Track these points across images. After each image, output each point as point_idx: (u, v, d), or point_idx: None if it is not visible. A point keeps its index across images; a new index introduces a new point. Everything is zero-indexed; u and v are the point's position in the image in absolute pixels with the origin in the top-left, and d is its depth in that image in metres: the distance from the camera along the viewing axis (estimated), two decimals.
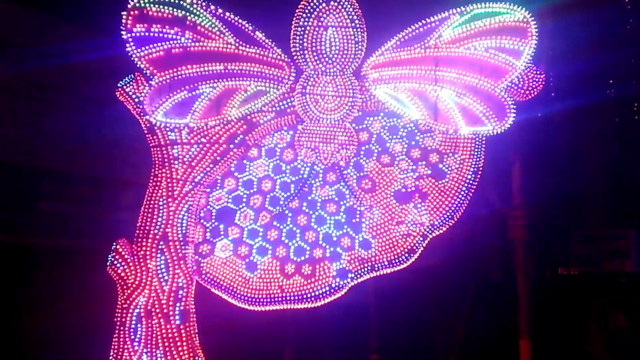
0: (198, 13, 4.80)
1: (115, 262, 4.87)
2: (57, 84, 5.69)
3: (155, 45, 4.74)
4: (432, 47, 4.76)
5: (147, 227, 4.88)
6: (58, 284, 5.67)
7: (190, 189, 4.94)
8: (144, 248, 4.85)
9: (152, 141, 5.00)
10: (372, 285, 5.04)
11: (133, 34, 4.71)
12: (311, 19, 4.87)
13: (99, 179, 5.64)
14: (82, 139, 5.62)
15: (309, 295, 4.91)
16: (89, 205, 5.67)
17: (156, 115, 4.77)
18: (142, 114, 4.92)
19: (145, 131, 5.01)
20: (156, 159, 4.98)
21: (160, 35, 4.75)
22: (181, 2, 4.78)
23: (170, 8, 4.75)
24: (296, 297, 4.91)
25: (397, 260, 4.94)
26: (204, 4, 4.81)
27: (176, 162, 4.94)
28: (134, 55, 4.73)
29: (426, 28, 4.81)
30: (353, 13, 4.88)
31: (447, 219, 4.95)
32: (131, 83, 5.03)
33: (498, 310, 5.46)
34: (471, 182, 4.96)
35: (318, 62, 4.92)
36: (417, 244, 4.95)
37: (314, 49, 4.90)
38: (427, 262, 5.04)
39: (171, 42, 4.77)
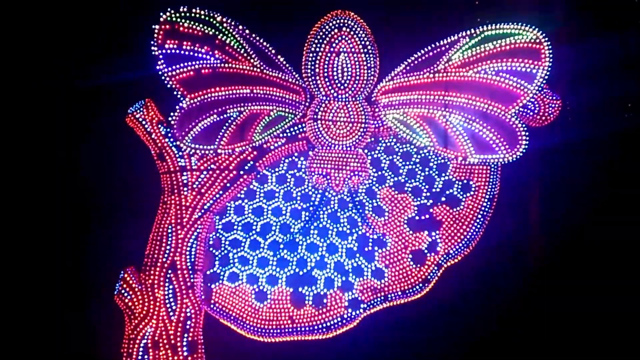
0: (227, 32, 4.73)
1: (123, 291, 4.80)
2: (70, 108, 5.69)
3: (186, 64, 4.63)
4: (442, 72, 4.67)
5: (155, 255, 4.81)
6: (65, 312, 5.60)
7: (199, 216, 4.87)
8: (152, 277, 4.77)
9: (162, 168, 4.95)
10: (384, 316, 4.89)
11: (164, 51, 4.61)
12: (323, 45, 4.84)
13: (106, 205, 5.59)
14: (90, 166, 5.60)
15: (320, 326, 4.79)
16: (96, 232, 5.61)
17: (186, 140, 4.68)
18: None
19: (155, 157, 4.97)
20: (165, 185, 4.93)
21: (191, 53, 4.66)
22: (211, 20, 4.70)
23: (201, 25, 4.66)
24: (307, 328, 4.80)
25: (411, 290, 4.82)
26: (232, 23, 4.75)
27: (185, 189, 4.88)
28: (164, 74, 4.62)
29: (436, 52, 4.73)
30: (365, 39, 4.84)
31: (462, 247, 4.83)
32: (141, 109, 5.00)
33: (515, 344, 5.30)
34: (487, 209, 4.85)
35: (330, 87, 4.87)
36: (431, 274, 4.82)
37: (325, 74, 4.85)
38: (442, 292, 4.90)
39: (201, 61, 4.68)
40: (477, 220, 4.83)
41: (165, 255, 4.80)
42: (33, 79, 5.60)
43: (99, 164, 5.58)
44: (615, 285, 5.28)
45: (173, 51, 4.63)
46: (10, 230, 5.67)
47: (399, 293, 4.82)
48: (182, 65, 4.63)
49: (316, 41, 4.85)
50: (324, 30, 4.85)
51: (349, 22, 4.86)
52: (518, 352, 5.30)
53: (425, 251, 4.83)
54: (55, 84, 5.59)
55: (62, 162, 5.66)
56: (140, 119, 4.99)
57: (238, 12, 4.93)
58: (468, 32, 4.65)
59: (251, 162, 4.95)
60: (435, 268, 4.83)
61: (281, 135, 4.96)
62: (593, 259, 5.35)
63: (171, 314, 4.73)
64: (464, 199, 4.88)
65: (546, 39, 4.46)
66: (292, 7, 5.29)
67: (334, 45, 4.83)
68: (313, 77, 4.88)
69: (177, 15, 4.64)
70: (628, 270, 5.31)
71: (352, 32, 4.84)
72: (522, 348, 5.32)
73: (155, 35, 4.60)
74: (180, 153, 4.88)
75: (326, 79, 4.87)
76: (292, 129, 4.97)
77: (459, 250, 4.83)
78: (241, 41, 4.75)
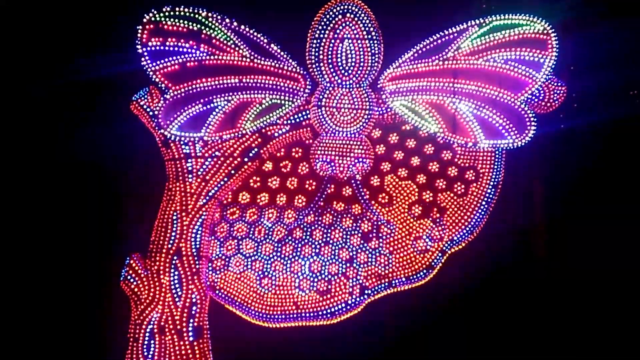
0: (213, 26, 4.79)
1: (129, 277, 4.82)
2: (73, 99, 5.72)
3: (170, 59, 4.74)
4: (451, 59, 4.70)
5: (160, 242, 4.84)
6: (72, 299, 5.65)
7: (204, 202, 4.89)
8: (157, 263, 4.80)
9: (167, 155, 4.97)
10: (389, 302, 4.92)
11: (148, 48, 4.72)
12: (327, 31, 4.82)
13: (112, 193, 5.62)
14: (95, 154, 5.62)
15: (324, 312, 4.83)
16: (102, 218, 5.65)
17: (171, 128, 4.75)
18: (156, 127, 4.90)
19: (160, 144, 4.98)
20: (170, 172, 4.95)
21: (176, 49, 4.75)
22: (196, 16, 4.78)
23: (186, 22, 4.75)
24: (311, 314, 4.84)
25: (415, 277, 4.85)
26: (219, 17, 4.80)
27: (190, 176, 4.90)
28: (149, 69, 4.73)
29: (444, 40, 4.75)
30: (369, 25, 4.82)
31: (466, 234, 4.86)
32: (145, 96, 5.01)
33: (517, 329, 5.34)
34: (491, 196, 4.87)
35: (334, 74, 4.86)
36: (435, 260, 4.85)
37: (329, 61, 4.84)
38: (446, 278, 4.93)
39: (186, 55, 4.76)
40: (481, 207, 4.85)
41: (171, 242, 4.82)
42: (39, 71, 5.66)
43: (103, 151, 5.61)
44: (619, 272, 5.31)
45: (157, 48, 4.73)
46: (18, 220, 5.72)
47: (403, 279, 4.85)
48: (166, 60, 4.73)
49: (320, 27, 4.84)
50: (327, 16, 4.84)
51: (353, 8, 4.84)
52: (521, 338, 5.34)
53: (428, 240, 4.85)
54: (57, 76, 5.64)
55: (66, 151, 5.69)
56: (145, 106, 5.00)
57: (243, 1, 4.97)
58: (477, 22, 4.69)
59: (255, 149, 4.96)
60: (439, 254, 4.85)
61: (285, 122, 4.97)
62: (596, 245, 5.37)
63: (177, 299, 4.76)
64: (468, 186, 4.89)
65: (553, 30, 4.54)
66: None
67: (338, 31, 4.82)
68: (317, 64, 4.86)
69: (161, 14, 4.73)
70: (631, 255, 5.33)
71: (356, 19, 4.82)
72: (525, 334, 5.35)
73: (139, 34, 4.71)
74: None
75: (330, 66, 4.85)
76: (296, 116, 4.97)
77: (463, 236, 4.85)
78: (229, 33, 4.80)
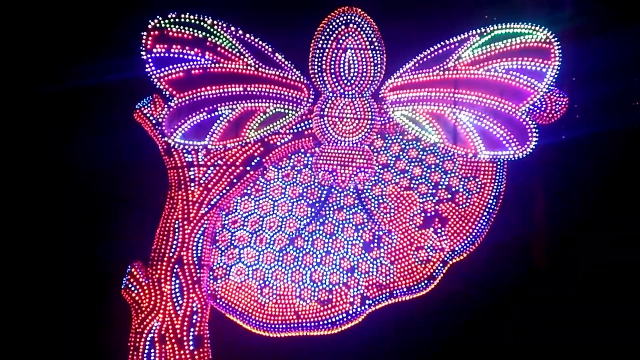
0: (218, 34, 4.81)
1: (130, 286, 4.83)
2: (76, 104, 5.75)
3: (174, 66, 4.75)
4: (451, 69, 4.70)
5: (162, 250, 4.84)
6: (72, 307, 5.65)
7: (206, 211, 4.90)
8: (158, 271, 4.80)
9: (169, 163, 4.98)
10: (390, 312, 4.91)
11: (153, 55, 4.72)
12: (330, 41, 4.85)
13: (113, 200, 5.63)
14: (98, 161, 5.64)
15: (325, 322, 4.82)
16: (104, 227, 5.66)
17: (174, 136, 4.76)
18: (160, 136, 4.92)
19: (162, 153, 5.00)
20: (172, 181, 4.96)
21: (180, 56, 4.76)
22: (201, 24, 4.79)
23: (191, 29, 4.76)
24: (312, 324, 4.82)
25: (416, 287, 4.84)
26: (224, 25, 4.82)
27: (192, 184, 4.91)
28: (153, 76, 4.74)
29: (445, 50, 4.76)
30: (372, 35, 4.85)
31: (467, 244, 4.84)
32: (149, 104, 5.03)
33: (518, 341, 5.31)
34: (492, 207, 4.86)
35: (336, 84, 4.88)
36: (436, 271, 4.84)
37: (332, 71, 4.86)
38: (447, 289, 4.92)
39: (191, 63, 4.77)
40: (483, 218, 4.84)
41: (172, 250, 4.83)
42: (42, 76, 5.70)
43: (106, 159, 5.62)
44: (619, 283, 5.29)
45: (162, 55, 4.74)
46: (17, 225, 5.73)
47: (405, 289, 4.83)
48: (171, 67, 4.74)
49: (323, 37, 4.86)
50: (331, 26, 4.87)
51: (356, 18, 4.87)
52: (522, 349, 5.32)
53: (430, 250, 4.84)
54: (60, 81, 5.67)
55: (70, 158, 5.71)
56: (148, 115, 5.03)
57: (246, 9, 4.99)
58: (478, 31, 4.70)
59: (258, 158, 4.97)
60: (441, 265, 4.84)
61: (287, 131, 4.98)
62: (598, 256, 5.36)
63: (178, 308, 4.76)
64: (470, 196, 4.88)
65: (556, 39, 4.52)
66: (300, 3, 5.32)
67: (340, 41, 4.84)
68: (320, 74, 4.88)
69: (166, 21, 4.74)
70: (632, 268, 5.31)
71: (359, 29, 4.84)
72: (526, 345, 5.33)
73: (144, 41, 4.72)
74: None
75: (333, 76, 4.87)
76: (298, 126, 4.98)
77: (465, 247, 4.84)
78: (234, 42, 4.82)
